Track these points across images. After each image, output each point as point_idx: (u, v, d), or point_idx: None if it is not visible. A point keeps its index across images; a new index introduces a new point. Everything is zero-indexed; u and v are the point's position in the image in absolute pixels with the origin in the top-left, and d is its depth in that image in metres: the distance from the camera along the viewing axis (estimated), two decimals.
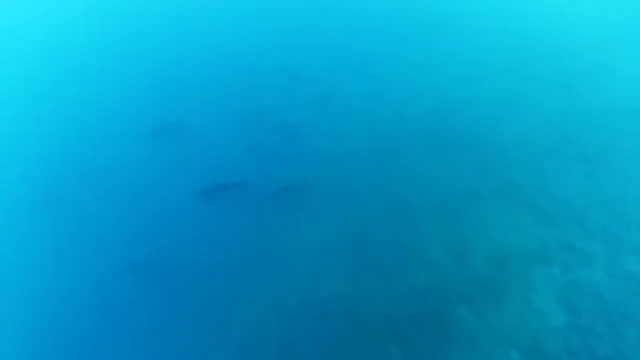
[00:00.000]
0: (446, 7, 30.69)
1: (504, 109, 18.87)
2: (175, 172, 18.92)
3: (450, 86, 21.85)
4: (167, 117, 23.31)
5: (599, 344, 8.32)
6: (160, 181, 18.72)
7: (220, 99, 24.53)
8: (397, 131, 19.09)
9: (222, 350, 11.96)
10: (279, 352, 11.56)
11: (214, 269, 14.19)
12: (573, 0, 27.09)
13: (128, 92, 26.45)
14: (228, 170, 18.87)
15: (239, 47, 31.05)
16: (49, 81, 28.91)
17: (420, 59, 25.15)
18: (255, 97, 23.79)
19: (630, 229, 10.40)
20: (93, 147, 21.33)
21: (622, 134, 14.57)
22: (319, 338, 11.80)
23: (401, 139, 18.66)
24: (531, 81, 20.27)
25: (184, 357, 11.76)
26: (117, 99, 25.59)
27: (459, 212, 14.10)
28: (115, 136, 22.04)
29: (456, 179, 15.78)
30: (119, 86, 27.23)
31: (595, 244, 10.43)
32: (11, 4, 43.14)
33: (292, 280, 13.58)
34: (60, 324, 13.26)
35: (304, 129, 20.71)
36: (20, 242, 16.46)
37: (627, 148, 13.55)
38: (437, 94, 21.24)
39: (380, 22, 31.27)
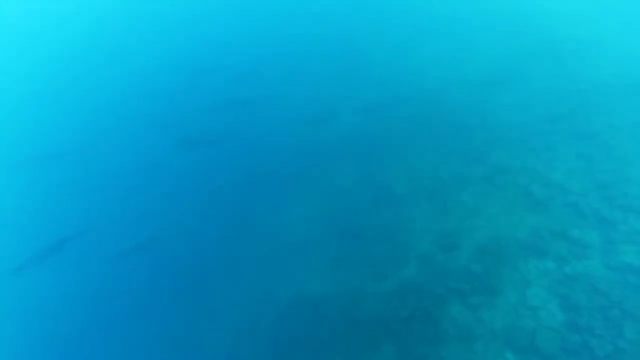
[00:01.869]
0: None
1: (491, 88, 18.00)
2: None
3: (433, 66, 20.82)
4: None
5: (597, 343, 7.85)
6: None
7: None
8: (381, 117, 18.17)
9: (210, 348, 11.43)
10: (271, 353, 11.06)
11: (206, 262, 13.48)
12: None
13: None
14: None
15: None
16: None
17: (400, 39, 23.93)
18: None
19: (627, 214, 9.86)
20: None
21: (616, 111, 13.88)
22: (311, 337, 11.31)
23: (385, 124, 17.76)
24: (519, 58, 19.34)
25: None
26: None
27: (447, 201, 13.44)
28: None
29: (444, 164, 15.05)
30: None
31: (591, 232, 9.88)
32: None
33: (282, 275, 13.00)
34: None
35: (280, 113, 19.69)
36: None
37: (622, 126, 12.90)
38: (420, 75, 20.23)
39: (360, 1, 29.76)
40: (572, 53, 18.11)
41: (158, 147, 19.68)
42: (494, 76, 18.63)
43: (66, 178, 19.06)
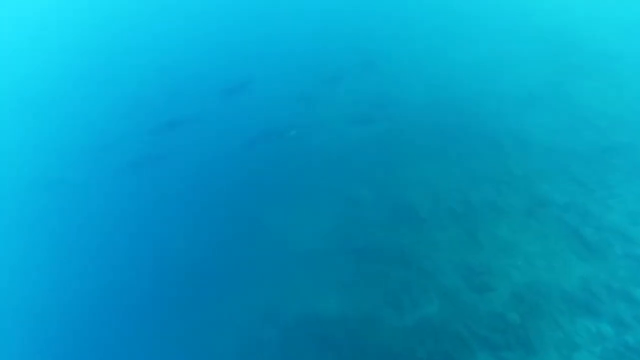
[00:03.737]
0: None
1: (531, 106, 16.37)
2: None
3: (467, 74, 19.15)
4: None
5: None
6: None
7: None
8: (406, 126, 16.61)
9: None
10: None
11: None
12: None
13: None
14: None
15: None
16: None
17: (432, 42, 22.21)
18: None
19: None
20: None
21: None
22: None
23: (410, 135, 16.22)
24: (565, 74, 17.64)
25: None
26: None
27: (478, 232, 11.97)
28: None
29: (475, 188, 13.54)
30: None
31: None
32: None
33: (290, 291, 11.68)
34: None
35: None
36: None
37: None
38: (452, 82, 18.59)
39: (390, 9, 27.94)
40: (630, 70, 16.34)
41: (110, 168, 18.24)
42: (535, 92, 16.97)
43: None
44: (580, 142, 13.69)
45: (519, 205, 12.21)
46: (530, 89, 17.29)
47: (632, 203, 10.66)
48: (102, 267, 13.28)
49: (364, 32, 24.13)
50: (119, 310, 11.89)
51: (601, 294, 8.81)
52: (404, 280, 11.48)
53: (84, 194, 16.50)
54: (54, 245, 14.45)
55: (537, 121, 15.61)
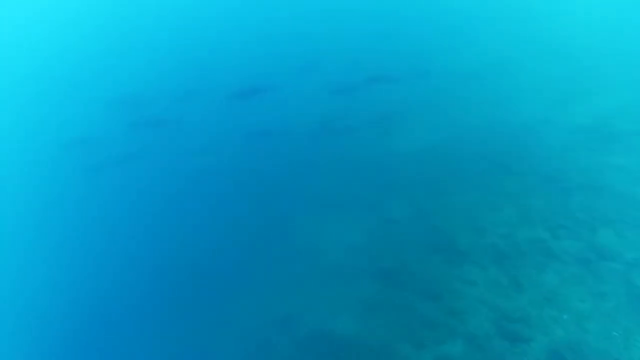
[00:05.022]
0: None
1: (607, 140, 14.51)
2: None
3: (530, 102, 17.60)
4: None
5: None
6: None
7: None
8: (455, 151, 15.67)
9: None
10: None
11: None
12: None
13: None
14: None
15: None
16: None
17: (488, 61, 20.81)
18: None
19: None
20: None
21: None
22: None
23: (459, 160, 15.26)
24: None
25: None
26: None
27: (520, 275, 10.78)
28: None
29: (523, 225, 12.28)
30: None
31: None
32: None
33: (306, 302, 11.55)
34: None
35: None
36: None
37: None
38: (513, 109, 17.18)
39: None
40: None
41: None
42: (616, 125, 15.03)
43: None
44: None
45: (575, 253, 10.78)
46: (610, 122, 15.36)
47: None
48: (118, 267, 14.21)
49: (420, 37, 23.48)
50: (126, 308, 12.60)
51: None
52: (429, 315, 10.72)
53: (104, 182, 17.99)
54: (67, 239, 15.85)
55: (613, 162, 13.77)
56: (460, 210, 13.38)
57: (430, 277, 11.64)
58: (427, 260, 12.12)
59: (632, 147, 13.99)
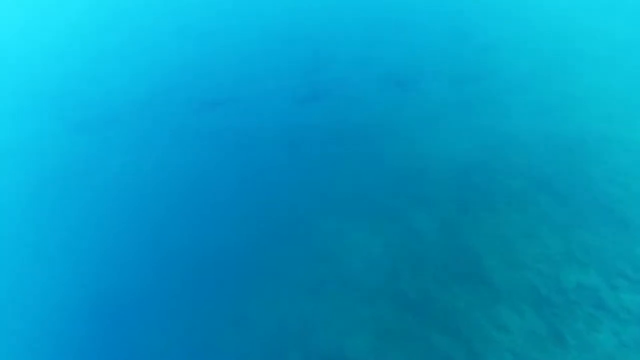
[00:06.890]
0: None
1: None
2: None
3: (590, 115, 15.12)
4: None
5: None
6: None
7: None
8: (501, 166, 13.59)
9: None
10: None
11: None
12: None
13: None
14: None
15: None
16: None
17: (540, 67, 18.12)
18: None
19: None
20: None
21: None
22: None
23: (503, 178, 13.22)
24: None
25: None
26: None
27: (567, 329, 8.92)
28: None
29: (577, 270, 10.30)
30: None
31: None
32: None
33: (318, 316, 10.15)
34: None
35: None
36: None
37: None
38: (570, 122, 14.79)
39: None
40: None
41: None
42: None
43: None
44: None
45: (638, 312, 8.80)
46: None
47: None
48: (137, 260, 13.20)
49: (455, 40, 20.90)
50: (132, 307, 11.62)
51: None
52: (445, 352, 9.10)
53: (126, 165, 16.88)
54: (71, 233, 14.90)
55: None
56: (493, 232, 11.50)
57: (452, 308, 9.95)
58: (451, 288, 10.41)
59: None
